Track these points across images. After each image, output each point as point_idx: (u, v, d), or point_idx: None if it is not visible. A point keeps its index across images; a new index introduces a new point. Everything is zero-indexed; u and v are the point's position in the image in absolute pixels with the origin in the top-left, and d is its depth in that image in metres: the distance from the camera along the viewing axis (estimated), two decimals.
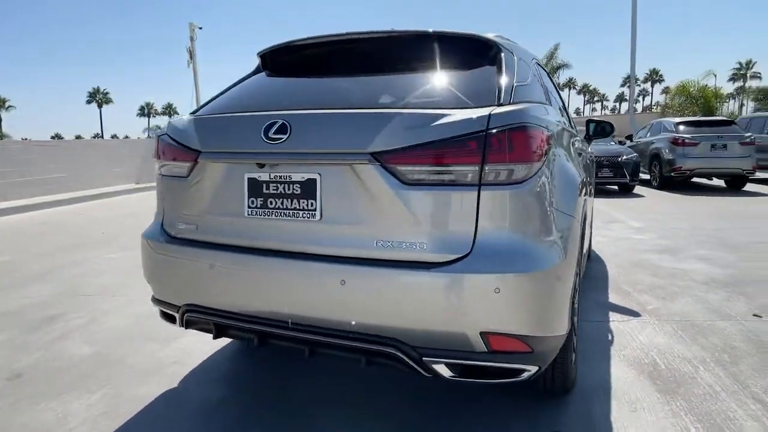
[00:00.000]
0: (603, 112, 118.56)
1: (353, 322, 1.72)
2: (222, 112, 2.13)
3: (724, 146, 10.65)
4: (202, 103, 2.41)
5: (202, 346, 2.84)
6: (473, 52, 2.11)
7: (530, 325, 1.65)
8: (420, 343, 1.67)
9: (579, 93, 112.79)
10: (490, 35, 2.18)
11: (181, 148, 2.07)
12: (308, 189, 1.80)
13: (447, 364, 1.69)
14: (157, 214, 2.23)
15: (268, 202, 1.87)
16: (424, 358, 1.67)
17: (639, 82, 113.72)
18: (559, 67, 30.67)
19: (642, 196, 10.23)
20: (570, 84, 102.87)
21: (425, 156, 1.65)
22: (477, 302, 1.61)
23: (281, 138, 1.80)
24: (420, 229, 1.66)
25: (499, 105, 1.77)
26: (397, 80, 2.12)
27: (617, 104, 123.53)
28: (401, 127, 1.68)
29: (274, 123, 1.83)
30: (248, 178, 1.91)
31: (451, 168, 1.65)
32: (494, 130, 1.64)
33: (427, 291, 1.62)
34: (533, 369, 1.71)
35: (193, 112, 2.32)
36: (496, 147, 1.63)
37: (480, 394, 2.30)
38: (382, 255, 1.69)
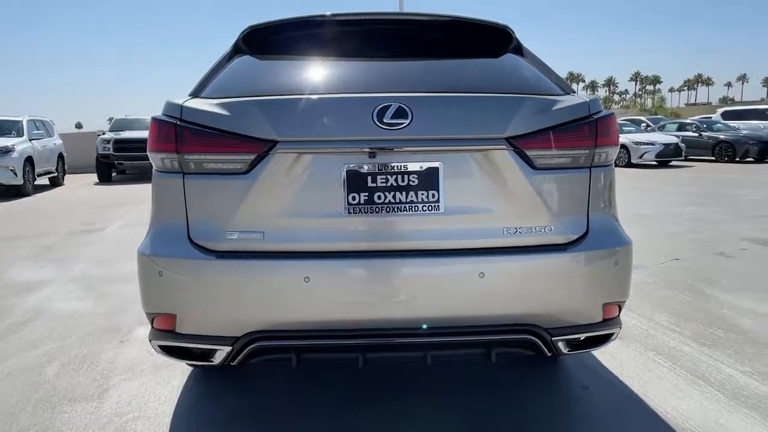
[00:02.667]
0: None
1: (491, 314, 1.65)
2: (269, 93, 1.73)
3: None
4: (202, 82, 1.91)
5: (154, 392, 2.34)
6: (513, 43, 2.18)
7: (628, 290, 1.86)
8: (553, 324, 1.71)
9: None
10: None
11: (238, 138, 1.63)
12: (428, 179, 1.65)
13: (566, 341, 1.77)
14: (169, 224, 1.71)
15: (375, 197, 1.64)
16: (553, 338, 1.72)
17: None
18: None
19: None
20: None
21: (551, 140, 1.69)
22: (602, 276, 1.74)
23: (402, 123, 1.60)
24: (546, 212, 1.71)
25: (573, 93, 1.91)
26: (482, 65, 2.05)
27: None
28: (531, 112, 1.69)
29: (388, 106, 1.60)
30: (347, 171, 1.62)
31: (571, 151, 1.72)
32: (596, 116, 1.78)
33: (564, 272, 1.69)
34: (618, 331, 1.92)
35: (197, 93, 1.82)
36: (602, 131, 1.77)
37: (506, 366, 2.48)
38: (515, 242, 1.69)
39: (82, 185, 12.70)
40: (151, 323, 1.80)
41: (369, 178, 1.64)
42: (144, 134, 13.46)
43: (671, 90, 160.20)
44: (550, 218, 1.71)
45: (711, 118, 19.65)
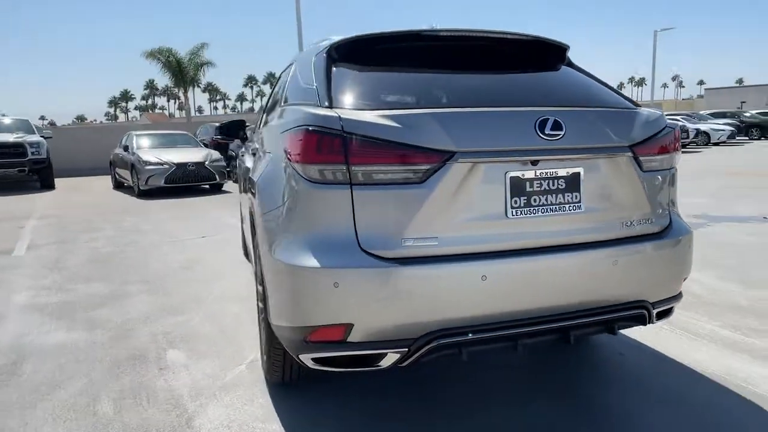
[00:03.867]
0: (225, 111, 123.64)
1: (619, 294, 1.93)
2: (393, 107, 1.84)
3: None
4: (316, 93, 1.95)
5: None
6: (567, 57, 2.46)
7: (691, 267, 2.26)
8: (655, 298, 2.03)
9: (203, 91, 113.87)
10: None
11: (414, 149, 1.71)
12: (572, 183, 1.88)
13: (660, 311, 2.10)
14: (331, 235, 1.73)
15: (532, 200, 1.82)
16: (654, 310, 2.04)
17: (259, 84, 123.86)
18: (203, 65, 30.50)
19: None
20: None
21: (655, 146, 2.01)
22: (683, 256, 2.11)
23: (558, 134, 1.80)
24: (649, 207, 2.04)
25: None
26: (574, 79, 2.28)
27: (238, 103, 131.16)
28: (639, 123, 1.98)
29: (547, 119, 1.79)
30: (510, 177, 1.77)
31: (664, 156, 2.05)
32: (671, 127, 2.14)
33: (664, 255, 2.03)
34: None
35: (324, 104, 1.85)
36: (678, 139, 2.14)
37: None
38: (632, 232, 1.97)
39: None
40: (304, 338, 1.79)
41: (527, 183, 1.82)
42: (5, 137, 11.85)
43: None
44: (651, 212, 2.04)
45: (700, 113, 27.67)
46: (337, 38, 2.31)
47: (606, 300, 1.92)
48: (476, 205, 1.78)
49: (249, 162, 3.37)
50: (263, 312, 2.30)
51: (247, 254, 4.95)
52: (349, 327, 1.71)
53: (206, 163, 11.13)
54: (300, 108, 2.02)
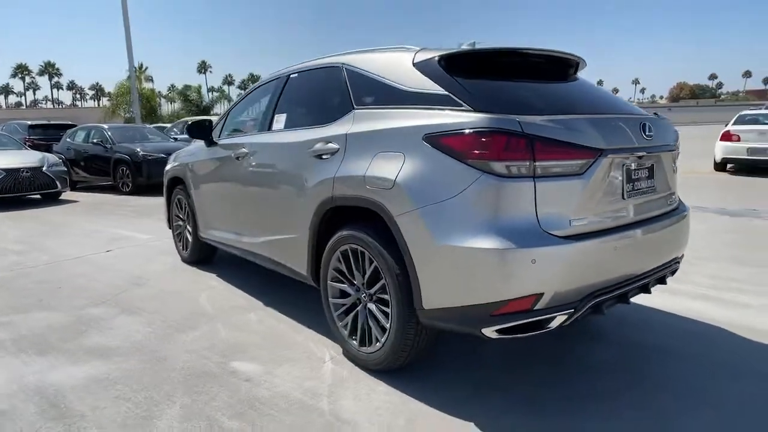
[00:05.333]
0: None
1: (673, 254, 2.62)
2: (561, 112, 2.23)
3: None
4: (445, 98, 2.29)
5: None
6: None
7: None
8: (679, 258, 2.78)
9: None
10: None
11: (578, 148, 2.12)
12: (651, 171, 2.46)
13: (674, 269, 2.86)
14: (518, 220, 2.04)
15: (634, 186, 2.37)
16: (675, 267, 2.80)
17: (33, 75, 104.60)
18: None
19: None
20: None
21: (678, 144, 2.75)
22: (689, 227, 2.89)
23: (651, 135, 2.37)
24: (675, 190, 2.77)
25: None
26: (599, 91, 2.83)
27: (1, 97, 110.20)
28: (672, 128, 2.70)
29: (645, 123, 2.36)
30: (626, 168, 2.30)
31: (679, 150, 2.83)
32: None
33: (685, 223, 2.77)
34: None
35: (476, 107, 2.18)
36: None
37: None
38: (672, 207, 2.70)
39: None
40: (490, 313, 2.06)
41: (633, 173, 2.36)
42: None
43: None
44: (675, 193, 2.77)
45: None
46: (430, 49, 2.56)
47: (668, 257, 2.59)
48: (608, 190, 2.25)
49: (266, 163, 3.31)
50: (378, 302, 2.44)
51: (197, 260, 4.65)
52: (538, 297, 2.04)
53: (44, 168, 9.48)
54: (440, 111, 2.24)
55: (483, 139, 2.05)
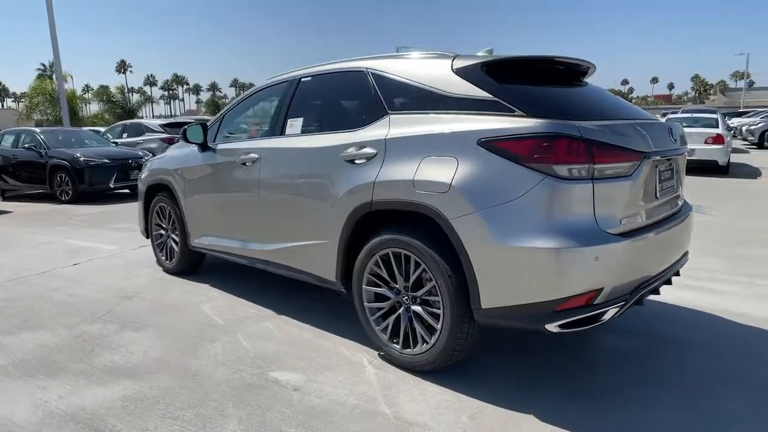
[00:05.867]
0: None
1: (684, 247, 2.89)
2: (601, 117, 2.40)
3: None
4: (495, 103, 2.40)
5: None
6: None
7: None
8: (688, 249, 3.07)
9: None
10: None
11: (628, 151, 2.29)
12: (672, 173, 2.69)
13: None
14: (578, 220, 2.20)
15: (663, 186, 2.58)
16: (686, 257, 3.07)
17: None
18: None
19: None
20: None
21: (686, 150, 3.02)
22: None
23: (676, 139, 2.60)
24: (683, 189, 3.03)
25: None
26: (612, 96, 3.03)
27: None
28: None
29: (672, 128, 2.56)
30: (659, 170, 2.52)
31: None
32: None
33: (692, 219, 3.01)
34: None
35: (530, 112, 2.30)
36: None
37: None
38: (682, 205, 2.94)
39: None
40: (554, 309, 2.18)
41: (663, 173, 2.57)
42: None
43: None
44: (683, 192, 3.04)
45: None
46: (466, 56, 2.67)
47: (683, 250, 2.85)
48: (647, 190, 2.44)
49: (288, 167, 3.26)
50: (431, 305, 2.50)
51: (183, 270, 4.46)
52: (599, 291, 2.19)
53: None
54: (490, 116, 2.34)
55: (545, 144, 2.17)
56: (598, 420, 2.26)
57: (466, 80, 2.55)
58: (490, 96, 2.43)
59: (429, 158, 2.49)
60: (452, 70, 2.62)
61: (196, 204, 4.12)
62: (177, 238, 4.45)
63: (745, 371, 2.66)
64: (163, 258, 4.70)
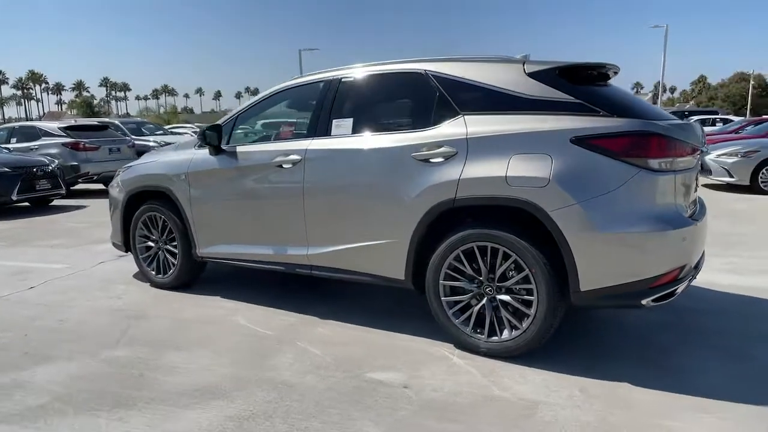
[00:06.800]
0: None
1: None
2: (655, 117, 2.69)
3: (119, 149, 11.65)
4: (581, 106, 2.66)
5: None
6: None
7: None
8: None
9: None
10: None
11: (692, 147, 2.67)
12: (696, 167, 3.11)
13: None
14: (667, 206, 2.53)
15: (694, 177, 2.98)
16: None
17: None
18: None
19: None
20: None
21: None
22: None
23: (704, 139, 3.03)
24: None
25: None
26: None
27: None
28: None
29: (702, 129, 2.97)
30: (697, 163, 2.90)
31: None
32: None
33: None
34: None
35: (613, 112, 2.59)
36: None
37: None
38: None
39: None
40: (650, 286, 2.46)
41: (695, 167, 2.95)
42: None
43: (138, 98, 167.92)
44: None
45: None
46: (537, 61, 2.87)
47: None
48: (690, 180, 2.80)
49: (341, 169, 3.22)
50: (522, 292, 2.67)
51: (182, 283, 4.15)
52: (682, 268, 2.52)
53: None
54: (577, 117, 2.58)
55: (641, 141, 2.45)
56: (665, 372, 2.62)
57: (542, 83, 2.75)
58: (572, 98, 2.66)
59: (519, 155, 2.65)
60: (526, 73, 2.81)
61: (209, 211, 3.84)
62: (175, 250, 4.10)
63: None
64: (153, 272, 4.29)
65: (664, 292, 2.53)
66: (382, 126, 3.27)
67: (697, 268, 2.79)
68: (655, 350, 2.91)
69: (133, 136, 13.69)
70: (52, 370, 2.84)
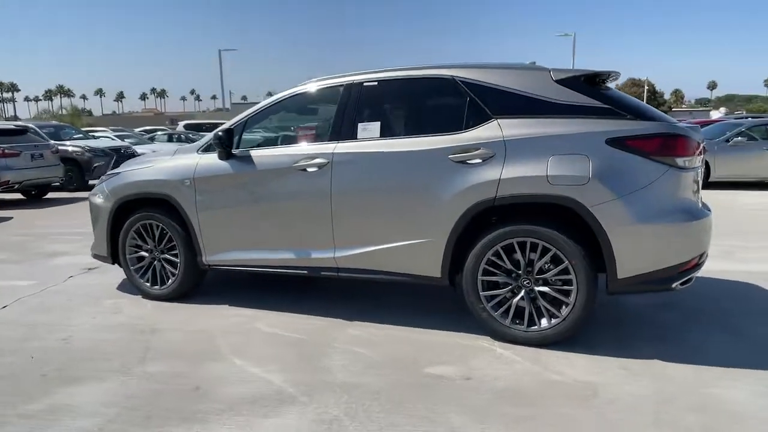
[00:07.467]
0: None
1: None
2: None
3: (41, 155, 10.71)
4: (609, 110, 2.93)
5: None
6: None
7: None
8: None
9: None
10: None
11: (701, 146, 2.98)
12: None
13: None
14: (684, 202, 2.85)
15: (700, 175, 3.35)
16: None
17: None
18: None
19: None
20: None
21: None
22: None
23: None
24: None
25: None
26: None
27: None
28: None
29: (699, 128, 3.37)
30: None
31: None
32: None
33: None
34: None
35: (635, 115, 2.88)
36: None
37: None
38: None
39: None
40: (679, 270, 2.78)
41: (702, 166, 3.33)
42: None
43: (27, 99, 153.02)
44: None
45: None
46: (561, 69, 3.11)
47: None
48: (699, 178, 3.17)
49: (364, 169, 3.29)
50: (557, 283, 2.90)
51: (182, 293, 3.99)
52: (703, 254, 2.87)
53: None
54: (608, 120, 2.83)
55: (669, 141, 2.76)
56: (683, 348, 2.97)
57: (570, 89, 2.99)
58: (599, 103, 2.92)
59: (557, 156, 2.86)
60: (555, 81, 3.04)
61: (220, 217, 3.71)
62: (175, 259, 3.91)
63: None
64: (148, 284, 4.05)
65: (688, 277, 2.86)
66: (410, 129, 3.37)
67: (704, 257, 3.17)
68: (665, 329, 3.26)
69: (53, 141, 12.55)
70: (88, 390, 2.64)
